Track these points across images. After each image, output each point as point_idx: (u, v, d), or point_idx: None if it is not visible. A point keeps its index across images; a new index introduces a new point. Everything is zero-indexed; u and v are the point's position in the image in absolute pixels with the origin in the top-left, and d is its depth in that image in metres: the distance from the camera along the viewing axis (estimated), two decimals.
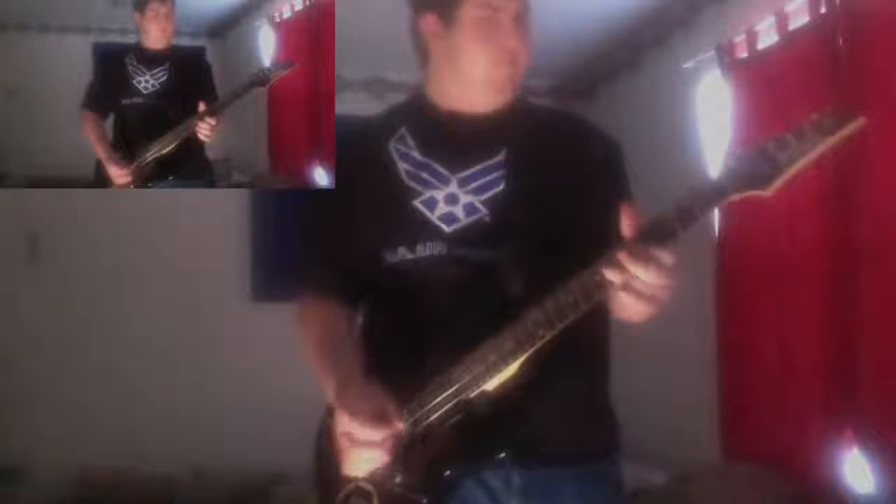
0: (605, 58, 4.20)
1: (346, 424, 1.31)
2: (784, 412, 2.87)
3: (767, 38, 3.04)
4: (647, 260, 1.19)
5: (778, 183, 1.19)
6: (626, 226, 1.21)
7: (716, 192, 1.23)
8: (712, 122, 3.44)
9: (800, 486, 2.74)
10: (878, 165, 2.48)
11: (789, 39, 2.89)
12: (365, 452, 1.32)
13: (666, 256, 1.20)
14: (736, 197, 1.22)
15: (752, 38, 3.09)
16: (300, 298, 1.56)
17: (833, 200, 2.63)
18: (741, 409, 3.12)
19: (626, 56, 4.09)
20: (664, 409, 3.49)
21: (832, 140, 1.18)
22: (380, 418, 1.29)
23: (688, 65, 3.48)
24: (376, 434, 1.29)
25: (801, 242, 2.78)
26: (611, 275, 1.21)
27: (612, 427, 1.52)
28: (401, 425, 1.31)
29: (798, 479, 2.76)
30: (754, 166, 1.20)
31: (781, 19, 2.92)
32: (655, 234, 1.21)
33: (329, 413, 1.45)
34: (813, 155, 1.19)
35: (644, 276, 1.19)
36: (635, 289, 1.21)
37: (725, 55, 3.22)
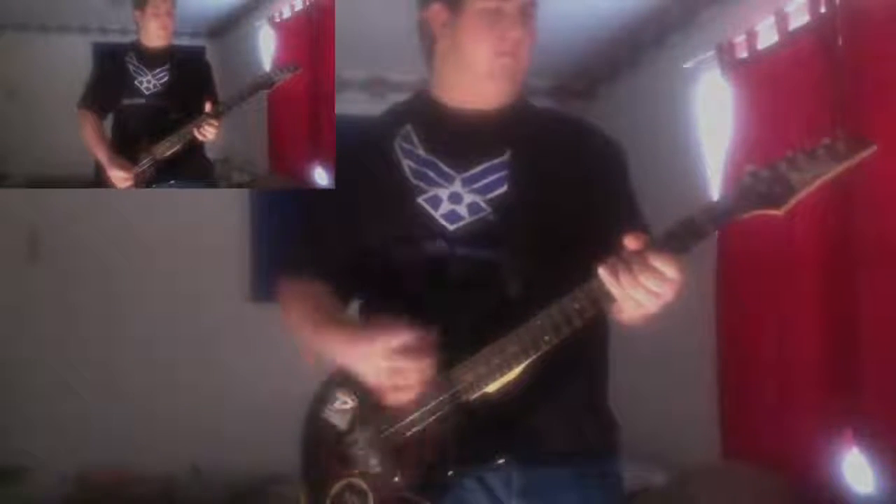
0: (605, 58, 4.20)
1: (389, 360, 1.31)
2: (784, 412, 2.87)
3: (767, 38, 3.03)
4: (651, 270, 1.19)
5: (790, 204, 1.20)
6: (631, 238, 1.21)
7: (730, 211, 1.23)
8: (712, 122, 3.44)
9: (800, 486, 2.74)
10: (878, 166, 2.47)
11: (789, 39, 2.89)
12: (409, 382, 1.32)
13: (670, 269, 1.19)
14: (749, 215, 1.22)
15: (752, 38, 3.09)
16: (284, 286, 1.55)
17: (833, 200, 2.62)
18: (741, 409, 3.12)
19: (626, 56, 4.09)
20: (664, 409, 3.49)
21: (844, 165, 1.20)
22: (418, 346, 1.30)
23: (688, 65, 3.48)
24: (420, 361, 1.30)
25: (800, 242, 2.77)
26: (611, 283, 1.21)
27: (612, 427, 1.53)
28: (433, 356, 1.31)
29: (798, 479, 2.76)
30: (768, 186, 1.20)
31: (781, 19, 2.92)
32: (664, 246, 1.21)
33: (324, 395, 1.46)
34: (825, 178, 1.20)
35: (648, 285, 1.19)
36: (635, 298, 1.21)
37: (725, 55, 3.21)
